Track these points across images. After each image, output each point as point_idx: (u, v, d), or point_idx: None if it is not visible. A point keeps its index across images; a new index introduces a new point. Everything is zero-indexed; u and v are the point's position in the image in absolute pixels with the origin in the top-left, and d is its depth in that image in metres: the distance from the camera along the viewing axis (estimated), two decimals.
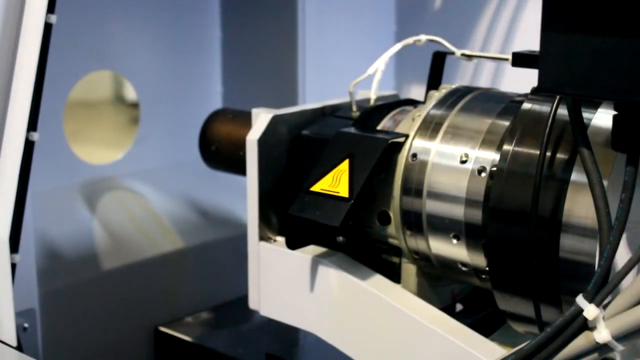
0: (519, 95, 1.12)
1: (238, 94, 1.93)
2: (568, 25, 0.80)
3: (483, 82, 1.73)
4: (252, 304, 1.25)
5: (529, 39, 1.11)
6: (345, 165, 1.10)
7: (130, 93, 1.88)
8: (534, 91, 0.85)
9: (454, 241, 1.06)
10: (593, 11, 0.78)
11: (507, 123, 1.06)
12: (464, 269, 1.09)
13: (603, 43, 0.78)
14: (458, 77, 1.75)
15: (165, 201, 1.82)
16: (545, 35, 0.82)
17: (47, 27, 1.19)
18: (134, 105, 1.88)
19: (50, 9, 1.19)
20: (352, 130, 1.17)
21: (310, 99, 1.74)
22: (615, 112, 0.86)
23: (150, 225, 1.74)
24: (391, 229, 1.13)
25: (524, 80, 1.12)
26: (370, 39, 1.85)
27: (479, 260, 1.06)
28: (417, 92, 1.81)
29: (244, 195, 1.23)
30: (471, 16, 1.77)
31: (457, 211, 1.05)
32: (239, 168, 1.30)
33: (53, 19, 1.19)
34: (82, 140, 1.84)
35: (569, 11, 0.80)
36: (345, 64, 1.77)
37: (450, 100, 1.14)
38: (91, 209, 1.74)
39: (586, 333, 0.84)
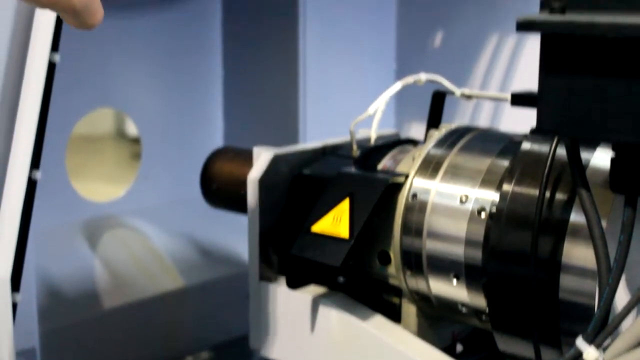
0: (518, 135, 1.13)
1: (239, 132, 1.94)
2: (566, 67, 0.81)
3: (483, 120, 1.74)
4: (253, 343, 1.25)
5: (529, 76, 1.13)
6: (345, 205, 1.11)
7: (132, 129, 1.89)
8: (533, 131, 0.86)
9: (454, 281, 1.07)
10: (590, 53, 0.79)
11: (506, 163, 1.07)
12: (464, 309, 1.09)
13: (600, 85, 0.79)
14: (458, 114, 1.76)
15: (166, 239, 1.82)
16: (544, 77, 0.83)
17: (51, 66, 1.20)
18: (136, 141, 1.89)
19: (55, 47, 1.20)
20: (353, 169, 1.17)
21: (311, 137, 1.75)
22: (613, 154, 0.86)
23: (151, 264, 1.74)
24: (391, 269, 1.13)
25: (524, 118, 1.13)
26: (370, 77, 1.86)
27: (479, 301, 1.06)
28: (417, 129, 1.82)
29: (244, 234, 1.23)
30: (471, 54, 1.78)
31: (457, 251, 1.06)
32: (240, 207, 1.30)
33: (57, 58, 1.20)
34: (84, 177, 1.85)
35: (566, 53, 0.81)
36: (346, 102, 1.78)
37: (450, 139, 1.15)
38: (92, 247, 1.74)
39: None
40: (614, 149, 0.86)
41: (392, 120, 1.85)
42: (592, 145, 0.99)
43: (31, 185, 1.19)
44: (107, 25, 1.75)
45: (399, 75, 1.90)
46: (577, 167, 0.89)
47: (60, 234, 1.72)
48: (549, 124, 0.83)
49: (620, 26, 0.75)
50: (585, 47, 0.79)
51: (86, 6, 0.76)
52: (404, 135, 1.68)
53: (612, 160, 0.86)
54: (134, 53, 1.83)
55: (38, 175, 1.20)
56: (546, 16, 0.80)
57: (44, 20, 1.17)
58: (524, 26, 0.80)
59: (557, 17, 0.79)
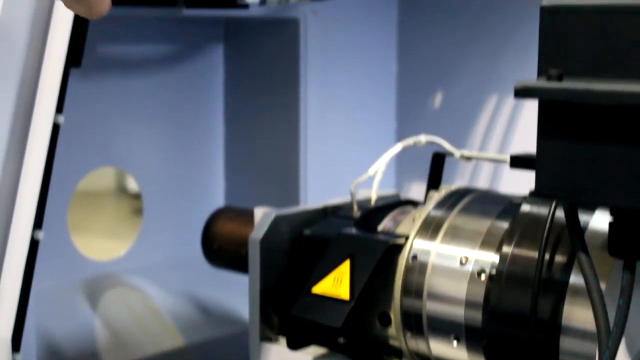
0: (518, 197, 1.14)
1: (240, 191, 1.95)
2: (563, 133, 0.82)
3: (482, 180, 1.75)
4: None
5: (528, 137, 1.14)
6: (346, 267, 1.12)
7: (133, 184, 1.90)
8: (532, 194, 0.87)
9: (455, 343, 1.07)
10: (588, 120, 0.80)
11: (506, 225, 1.08)
12: None
13: (598, 151, 0.80)
14: (458, 175, 1.77)
15: (166, 298, 1.82)
16: (542, 141, 0.85)
17: (55, 128, 1.21)
18: (137, 196, 1.90)
19: (59, 109, 1.21)
20: (353, 231, 1.18)
21: (312, 196, 1.76)
22: (611, 218, 0.87)
23: (152, 323, 1.74)
24: (392, 330, 1.13)
25: (523, 179, 1.14)
26: (371, 136, 1.87)
27: None
28: (417, 188, 1.83)
29: (245, 294, 1.23)
30: (470, 114, 1.80)
31: (457, 313, 1.06)
32: (241, 266, 1.31)
33: (61, 119, 1.21)
34: (85, 233, 1.85)
35: (564, 119, 0.82)
36: (347, 162, 1.80)
37: (450, 201, 1.16)
38: (93, 306, 1.74)
39: None
40: (612, 213, 0.86)
41: (392, 179, 1.87)
42: (591, 207, 1.00)
43: (33, 245, 1.20)
44: (109, 85, 1.78)
45: (400, 135, 1.91)
46: (575, 231, 0.90)
47: (61, 293, 1.72)
48: (547, 188, 0.84)
49: (617, 94, 0.76)
50: (582, 113, 0.80)
51: None
52: (404, 195, 1.70)
53: (610, 225, 0.87)
54: (136, 112, 1.84)
55: (40, 235, 1.21)
56: (543, 83, 0.81)
57: (50, 81, 1.19)
58: (522, 93, 0.82)
59: (554, 85, 0.80)
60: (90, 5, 0.77)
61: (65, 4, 0.77)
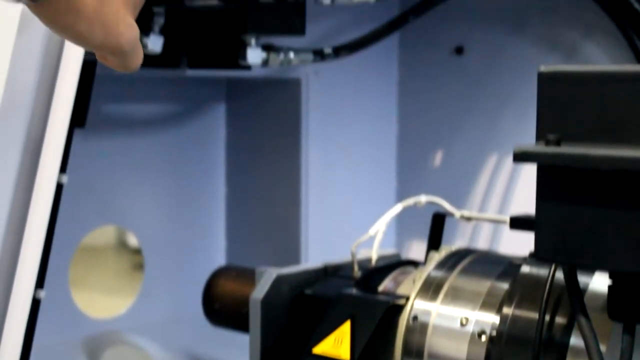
0: (518, 257, 1.14)
1: (241, 250, 1.95)
2: (562, 197, 0.83)
3: (482, 240, 1.76)
4: None
5: (528, 196, 1.15)
6: (347, 327, 1.12)
7: (133, 240, 1.90)
8: (532, 255, 0.87)
9: None
10: (586, 184, 0.81)
11: (506, 286, 1.08)
12: None
13: (596, 215, 0.81)
14: (458, 234, 1.78)
15: (167, 357, 1.81)
16: (541, 205, 0.85)
17: (59, 187, 1.22)
18: (137, 252, 1.90)
19: (63, 169, 1.22)
20: (354, 291, 1.19)
21: (313, 256, 1.76)
22: (610, 281, 0.88)
23: None
24: None
25: (523, 239, 1.15)
26: (371, 195, 1.89)
27: None
28: (418, 247, 1.84)
29: (246, 353, 1.23)
30: (470, 173, 1.81)
31: None
32: (242, 326, 1.31)
33: (64, 179, 1.22)
34: (86, 289, 1.85)
35: (562, 183, 0.83)
36: (347, 221, 1.80)
37: (450, 262, 1.17)
38: None
39: None
40: (611, 277, 0.87)
41: (392, 238, 1.87)
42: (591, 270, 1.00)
43: (35, 304, 1.20)
44: (112, 143, 1.80)
45: (400, 193, 1.93)
46: (575, 293, 0.90)
47: (61, 351, 1.71)
48: (547, 251, 0.85)
49: (614, 159, 0.77)
50: (580, 178, 0.81)
51: (133, 48, 0.78)
52: (405, 253, 1.70)
53: (610, 288, 0.87)
54: (139, 170, 1.86)
55: (42, 294, 1.21)
56: (542, 148, 0.82)
57: (54, 142, 1.20)
58: (521, 157, 0.83)
59: (552, 149, 0.81)
60: (126, 60, 0.79)
61: (99, 58, 0.79)
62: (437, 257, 1.19)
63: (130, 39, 0.77)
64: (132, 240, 1.90)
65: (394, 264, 1.26)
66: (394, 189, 1.95)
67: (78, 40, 0.75)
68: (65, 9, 0.71)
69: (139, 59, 0.80)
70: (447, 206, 1.30)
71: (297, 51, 1.50)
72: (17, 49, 1.18)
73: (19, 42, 1.18)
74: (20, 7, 0.88)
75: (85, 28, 0.73)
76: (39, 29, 1.17)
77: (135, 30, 0.78)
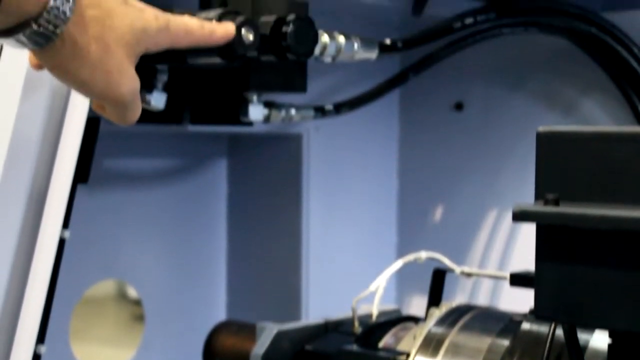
0: (518, 314, 1.14)
1: (242, 304, 1.95)
2: (561, 256, 0.83)
3: (483, 295, 1.76)
4: None
5: (528, 252, 1.15)
6: None
7: (133, 292, 1.90)
8: (532, 312, 0.88)
9: None
10: (585, 243, 0.82)
11: (506, 342, 1.08)
12: None
13: (596, 274, 0.82)
14: (458, 290, 1.78)
15: None
16: (540, 264, 0.86)
17: (61, 243, 1.22)
18: (137, 303, 1.89)
19: (65, 224, 1.23)
20: (355, 347, 1.19)
21: (314, 311, 1.76)
22: (610, 340, 0.88)
23: None
24: None
25: (523, 295, 1.15)
26: (372, 251, 1.89)
27: None
28: (418, 303, 1.84)
29: None
30: (470, 229, 1.82)
31: None
32: None
33: (67, 234, 1.23)
34: (86, 344, 1.84)
35: (561, 242, 0.83)
36: (348, 276, 1.80)
37: (451, 318, 1.17)
38: None
39: None
40: (610, 335, 0.87)
41: (393, 293, 1.87)
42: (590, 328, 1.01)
43: (36, 359, 1.20)
44: (115, 198, 1.80)
45: (400, 248, 1.93)
46: (575, 352, 0.90)
47: None
48: (546, 310, 0.85)
49: (613, 219, 0.78)
50: (579, 237, 0.82)
51: (133, 100, 0.79)
52: (405, 309, 1.70)
53: (609, 347, 0.87)
54: (141, 225, 1.86)
55: (43, 349, 1.21)
56: (541, 207, 0.83)
57: (57, 197, 1.21)
58: (520, 217, 0.83)
59: (551, 209, 0.82)
60: (124, 112, 0.80)
61: (96, 108, 0.80)
62: (437, 313, 1.19)
63: (131, 90, 0.78)
64: (132, 292, 1.90)
65: (395, 320, 1.27)
66: (394, 244, 1.95)
67: (80, 86, 0.76)
68: (71, 54, 0.73)
69: (137, 112, 0.81)
70: (447, 262, 1.30)
71: (298, 108, 1.52)
72: (23, 104, 1.19)
73: (24, 97, 1.19)
74: (27, 60, 0.90)
75: (88, 75, 0.74)
76: (45, 85, 1.18)
77: (136, 82, 0.79)
